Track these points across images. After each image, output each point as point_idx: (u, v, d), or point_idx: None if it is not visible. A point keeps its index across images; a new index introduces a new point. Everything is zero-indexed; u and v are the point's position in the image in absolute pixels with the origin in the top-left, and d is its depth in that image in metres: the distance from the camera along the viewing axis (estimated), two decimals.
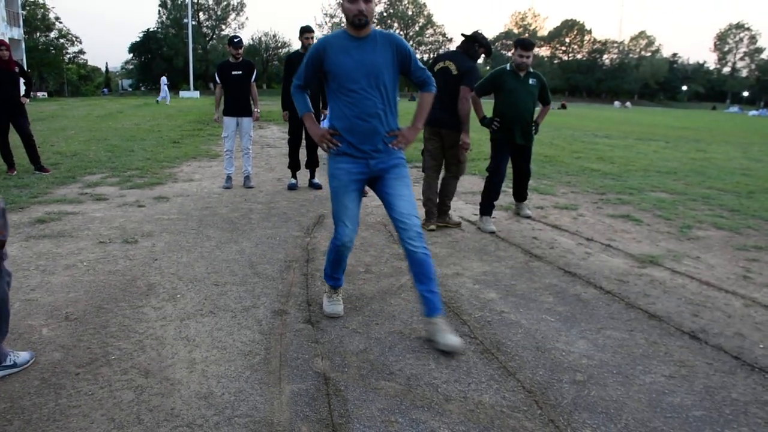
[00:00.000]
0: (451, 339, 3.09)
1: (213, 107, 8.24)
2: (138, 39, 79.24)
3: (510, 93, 5.76)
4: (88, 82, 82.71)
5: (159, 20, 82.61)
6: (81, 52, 69.65)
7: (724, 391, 2.80)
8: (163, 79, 40.73)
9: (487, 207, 5.94)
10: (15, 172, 8.08)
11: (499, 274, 4.45)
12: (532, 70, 5.81)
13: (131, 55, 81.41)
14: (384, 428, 2.39)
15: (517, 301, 3.90)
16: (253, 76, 7.58)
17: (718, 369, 3.02)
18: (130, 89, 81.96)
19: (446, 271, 4.46)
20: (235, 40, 7.49)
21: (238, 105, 7.52)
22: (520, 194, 6.50)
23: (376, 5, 3.04)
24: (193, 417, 2.42)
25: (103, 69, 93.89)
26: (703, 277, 4.56)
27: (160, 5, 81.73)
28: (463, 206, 7.00)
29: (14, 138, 8.28)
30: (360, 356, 3.02)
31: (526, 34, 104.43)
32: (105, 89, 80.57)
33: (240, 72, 7.43)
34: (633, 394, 2.73)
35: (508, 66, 5.84)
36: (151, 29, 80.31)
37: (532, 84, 5.81)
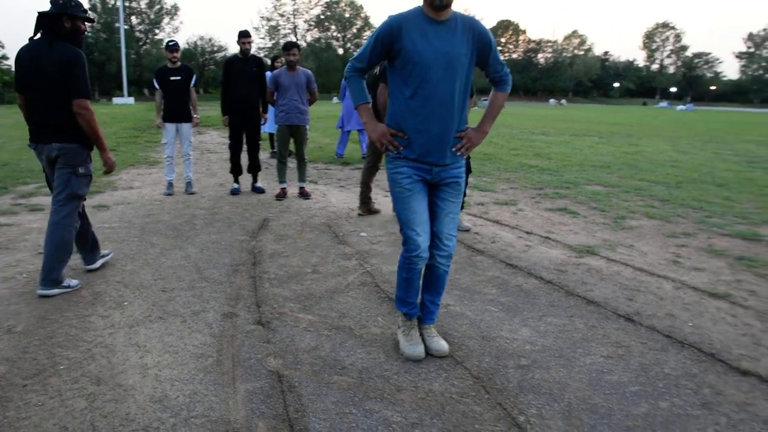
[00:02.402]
0: (442, 345, 3.10)
1: (150, 113, 8.08)
2: None
3: None
4: (13, 89, 79.30)
5: (89, 24, 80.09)
6: (4, 57, 66.46)
7: (657, 367, 2.99)
8: None
9: None
10: None
11: None
12: None
13: None
14: (339, 420, 2.45)
15: (461, 294, 4.02)
16: (192, 82, 7.50)
17: (652, 347, 3.22)
18: None
19: (391, 268, 4.54)
20: (171, 43, 7.39)
21: (177, 111, 7.41)
22: None
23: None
24: (149, 420, 2.42)
25: None
26: (637, 263, 4.80)
27: (89, 9, 79.23)
28: None
29: None
30: (312, 353, 3.08)
31: None
32: None
33: (179, 77, 7.33)
34: (574, 375, 2.88)
35: None
36: None
37: None
